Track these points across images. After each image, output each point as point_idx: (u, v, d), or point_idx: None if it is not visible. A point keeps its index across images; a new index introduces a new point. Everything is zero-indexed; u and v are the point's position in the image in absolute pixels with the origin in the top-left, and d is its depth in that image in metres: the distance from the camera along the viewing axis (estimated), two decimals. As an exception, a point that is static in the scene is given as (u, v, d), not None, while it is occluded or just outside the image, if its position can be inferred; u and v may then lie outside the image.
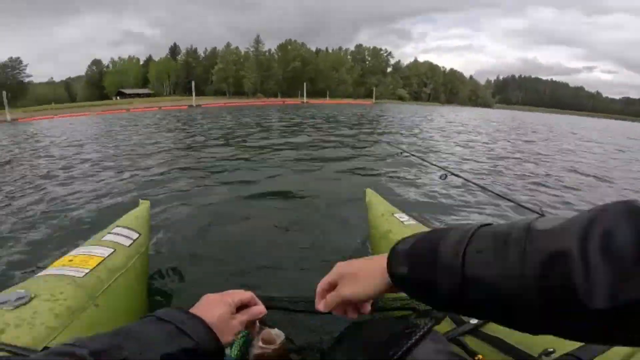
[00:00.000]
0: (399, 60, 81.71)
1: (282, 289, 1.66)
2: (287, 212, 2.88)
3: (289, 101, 47.60)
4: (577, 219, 0.28)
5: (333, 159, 5.45)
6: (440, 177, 1.84)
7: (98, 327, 0.84)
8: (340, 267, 0.48)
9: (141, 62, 70.10)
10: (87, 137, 9.94)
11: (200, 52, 71.61)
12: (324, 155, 5.77)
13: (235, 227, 2.55)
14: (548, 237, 0.28)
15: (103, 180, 4.22)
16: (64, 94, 67.32)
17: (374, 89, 61.09)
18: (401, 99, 71.63)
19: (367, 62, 75.48)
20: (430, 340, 0.55)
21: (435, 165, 2.24)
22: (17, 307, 0.77)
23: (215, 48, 70.53)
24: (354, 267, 0.47)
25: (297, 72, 65.26)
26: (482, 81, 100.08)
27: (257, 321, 0.57)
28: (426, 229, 1.31)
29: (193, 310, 0.47)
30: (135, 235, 1.30)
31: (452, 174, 1.87)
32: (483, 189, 1.80)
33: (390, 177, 4.31)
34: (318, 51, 74.45)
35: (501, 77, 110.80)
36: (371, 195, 1.76)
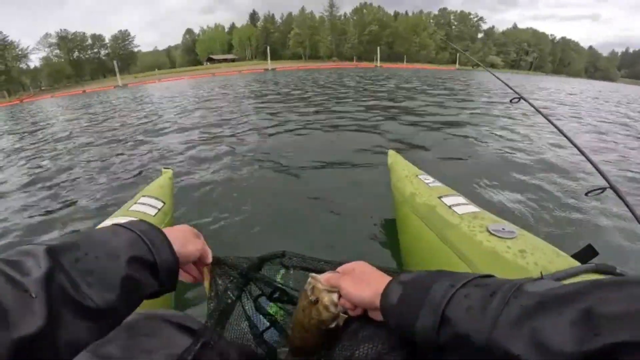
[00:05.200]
0: (493, 27, 71.66)
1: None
2: (313, 175, 2.85)
3: (362, 65, 46.18)
4: (562, 291, 0.28)
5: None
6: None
7: None
8: (359, 264, 0.51)
9: (226, 30, 74.32)
10: (173, 102, 11.37)
11: (278, 18, 72.81)
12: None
13: (259, 190, 2.58)
14: (533, 297, 0.29)
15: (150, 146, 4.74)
16: (166, 61, 76.17)
17: (458, 55, 54.99)
18: (493, 66, 63.38)
19: (453, 27, 67.74)
20: None
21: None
22: None
23: (290, 13, 70.83)
24: (366, 272, 0.49)
25: (374, 36, 62.50)
26: (606, 53, 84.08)
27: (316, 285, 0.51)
28: (452, 192, 1.23)
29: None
30: (159, 204, 1.30)
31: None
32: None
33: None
34: (397, 15, 69.14)
35: (631, 50, 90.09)
36: (394, 157, 1.65)
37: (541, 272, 0.72)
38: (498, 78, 1.60)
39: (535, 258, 0.78)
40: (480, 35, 69.87)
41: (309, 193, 2.45)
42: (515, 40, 69.90)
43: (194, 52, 72.71)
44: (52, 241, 0.35)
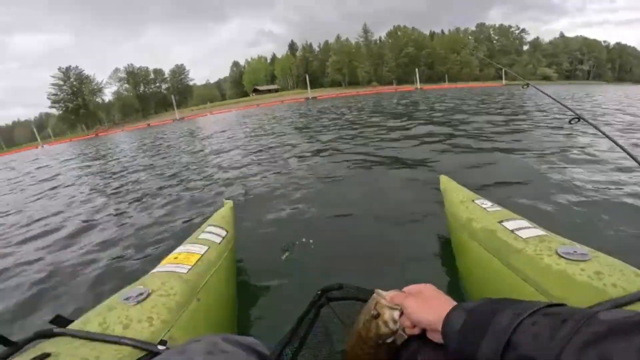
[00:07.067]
0: (537, 37, 68.23)
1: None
2: (372, 204, 2.86)
3: (402, 88, 46.03)
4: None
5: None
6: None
7: (201, 319, 0.94)
8: (427, 287, 0.54)
9: (268, 61, 78.72)
10: (225, 134, 12.30)
11: (315, 46, 75.60)
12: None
13: (311, 217, 2.66)
14: (604, 325, 0.29)
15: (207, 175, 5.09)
16: (217, 94, 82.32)
17: (503, 70, 52.54)
18: (546, 78, 59.72)
19: (495, 42, 65.69)
20: None
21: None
22: (138, 302, 0.86)
23: (327, 41, 73.29)
24: (432, 295, 0.51)
25: (412, 58, 62.52)
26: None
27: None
28: (514, 215, 1.21)
29: None
30: (223, 233, 1.41)
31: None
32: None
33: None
34: (433, 34, 68.80)
35: None
36: (447, 182, 1.64)
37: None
38: (555, 100, 1.54)
39: (613, 279, 0.74)
40: (525, 48, 66.78)
41: (362, 221, 2.48)
42: (565, 50, 65.64)
43: (241, 83, 77.63)
44: None
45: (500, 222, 1.15)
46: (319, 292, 0.83)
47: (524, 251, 0.96)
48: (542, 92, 1.60)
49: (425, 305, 0.49)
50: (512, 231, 1.07)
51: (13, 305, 1.88)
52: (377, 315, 0.51)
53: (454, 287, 1.49)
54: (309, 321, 0.82)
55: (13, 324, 1.68)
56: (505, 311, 0.38)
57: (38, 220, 3.72)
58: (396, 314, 0.51)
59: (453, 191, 1.53)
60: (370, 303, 0.54)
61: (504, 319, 0.37)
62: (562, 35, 69.16)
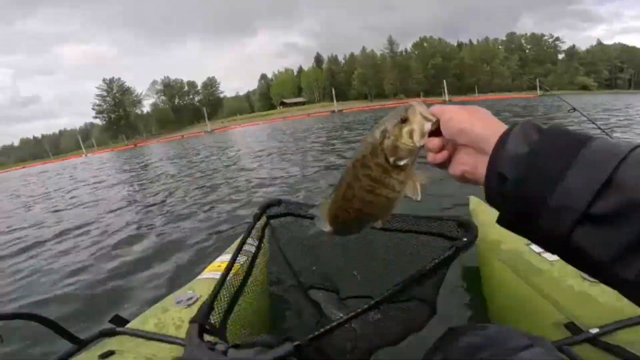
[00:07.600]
0: (574, 45, 64.91)
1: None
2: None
3: (429, 100, 45.30)
4: None
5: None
6: None
7: (240, 323, 1.05)
8: (476, 106, 0.40)
9: (295, 73, 79.34)
10: (253, 148, 12.66)
11: (341, 58, 75.21)
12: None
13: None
14: None
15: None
16: (246, 106, 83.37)
17: (538, 79, 50.36)
18: (585, 88, 56.63)
19: (527, 51, 63.26)
20: (536, 348, 0.46)
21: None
22: (189, 305, 0.96)
23: (352, 54, 72.88)
24: (487, 115, 0.38)
25: (439, 69, 61.48)
26: None
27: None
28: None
29: None
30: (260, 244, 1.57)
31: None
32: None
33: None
34: (460, 45, 67.35)
35: None
36: (477, 204, 1.63)
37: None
38: (601, 129, 1.48)
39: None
40: (561, 56, 63.84)
41: (382, 237, 2.49)
42: (603, 58, 62.05)
43: (269, 96, 78.70)
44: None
45: (529, 244, 1.17)
46: (258, 211, 0.84)
47: (548, 272, 0.99)
48: (587, 118, 1.52)
49: (475, 117, 0.37)
50: (539, 254, 1.10)
51: (73, 304, 2.06)
52: (405, 120, 0.40)
53: (479, 308, 1.47)
54: (255, 244, 0.83)
55: (73, 321, 1.82)
56: (601, 140, 0.28)
57: (87, 227, 4.05)
58: (428, 125, 0.40)
59: (483, 213, 1.54)
60: (400, 107, 0.42)
61: (602, 147, 0.27)
62: (599, 43, 65.54)
